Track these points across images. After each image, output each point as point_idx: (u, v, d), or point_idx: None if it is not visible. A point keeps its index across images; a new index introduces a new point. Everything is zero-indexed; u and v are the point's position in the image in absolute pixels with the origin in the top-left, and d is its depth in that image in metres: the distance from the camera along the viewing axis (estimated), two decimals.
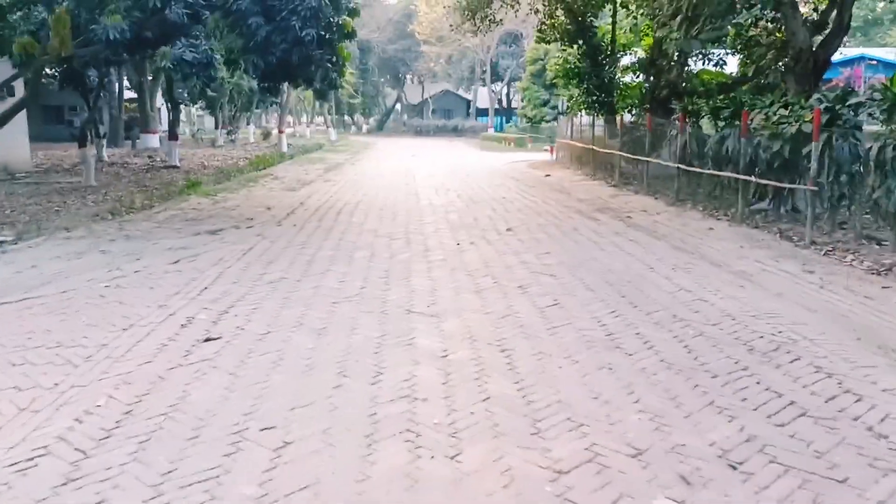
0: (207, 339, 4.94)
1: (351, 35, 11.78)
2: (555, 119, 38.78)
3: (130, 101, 35.59)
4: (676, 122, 13.67)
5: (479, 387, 4.11)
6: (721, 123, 12.48)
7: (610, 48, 19.81)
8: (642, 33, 18.45)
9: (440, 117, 64.92)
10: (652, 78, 17.25)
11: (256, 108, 39.97)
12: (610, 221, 11.11)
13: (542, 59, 39.60)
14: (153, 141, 26.63)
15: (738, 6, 10.75)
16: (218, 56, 10.77)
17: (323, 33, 10.29)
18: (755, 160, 10.50)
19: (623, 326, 5.39)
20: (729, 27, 11.26)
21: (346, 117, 68.31)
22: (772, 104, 10.23)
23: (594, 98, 19.98)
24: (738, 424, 3.63)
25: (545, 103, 39.90)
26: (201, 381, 4.18)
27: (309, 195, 14.83)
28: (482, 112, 59.83)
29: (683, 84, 16.35)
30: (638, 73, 17.76)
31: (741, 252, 8.56)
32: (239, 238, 9.38)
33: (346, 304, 6.02)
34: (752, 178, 10.09)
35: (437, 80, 67.56)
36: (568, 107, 22.60)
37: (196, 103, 41.45)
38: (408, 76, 67.29)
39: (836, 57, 14.40)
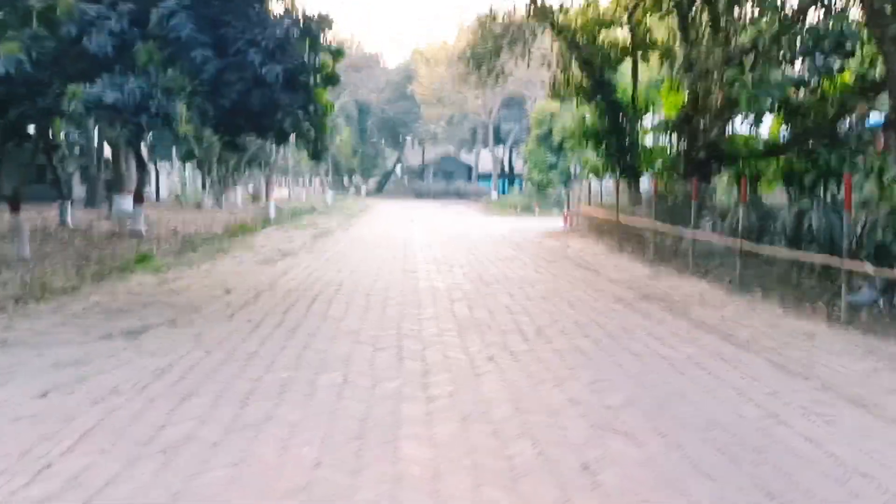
0: None
1: (332, 80, 9.46)
2: (563, 184, 36.72)
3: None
4: (722, 190, 11.31)
5: None
6: (791, 192, 10.02)
7: (632, 106, 17.66)
8: (672, 88, 16.30)
9: (441, 180, 63.32)
10: (686, 139, 14.94)
11: (247, 167, 37.84)
12: (665, 318, 8.48)
13: (547, 122, 37.84)
14: (127, 203, 24.27)
15: (826, 44, 8.52)
16: (176, 103, 8.37)
17: (293, 73, 7.92)
18: (860, 241, 7.98)
19: None
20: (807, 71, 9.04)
21: (345, 179, 66.69)
22: (881, 170, 7.76)
23: (615, 161, 17.71)
24: None
25: (552, 167, 37.89)
26: None
27: (285, 271, 12.27)
28: (484, 176, 58.07)
29: (724, 145, 14.01)
30: (670, 132, 15.46)
31: (881, 379, 5.91)
32: (164, 344, 6.73)
33: None
34: (868, 266, 7.51)
35: (437, 142, 66.25)
36: (584, 170, 20.37)
37: (186, 162, 39.59)
38: (408, 138, 66.04)
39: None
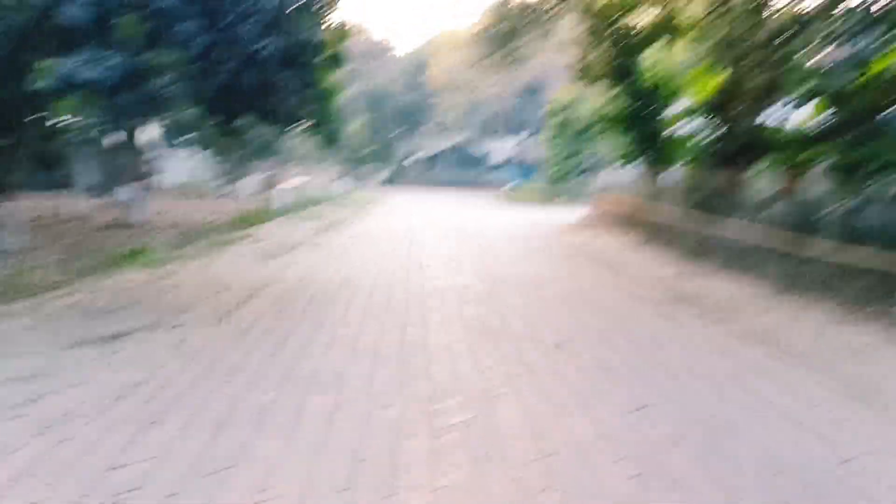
0: None
1: (337, 60, 8.64)
2: (582, 173, 35.69)
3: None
4: (760, 180, 10.35)
5: None
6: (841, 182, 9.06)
7: (662, 90, 16.63)
8: (705, 72, 15.27)
9: (455, 170, 62.30)
10: (720, 125, 13.92)
11: (258, 156, 37.09)
12: (702, 325, 7.61)
13: (567, 110, 36.72)
14: (130, 192, 23.66)
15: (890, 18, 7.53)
16: (162, 82, 7.61)
17: (290, 50, 7.11)
18: None
19: None
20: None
21: (358, 169, 65.84)
22: None
23: (643, 149, 16.74)
24: None
25: (571, 156, 36.80)
26: None
27: (286, 266, 11.50)
28: (499, 165, 56.98)
29: (765, 133, 12.97)
30: (703, 119, 14.43)
31: None
32: (139, 354, 5.99)
33: None
34: None
35: (451, 131, 65.16)
36: (607, 159, 19.39)
37: (206, 148, 38.87)
38: (421, 127, 64.99)
39: None
